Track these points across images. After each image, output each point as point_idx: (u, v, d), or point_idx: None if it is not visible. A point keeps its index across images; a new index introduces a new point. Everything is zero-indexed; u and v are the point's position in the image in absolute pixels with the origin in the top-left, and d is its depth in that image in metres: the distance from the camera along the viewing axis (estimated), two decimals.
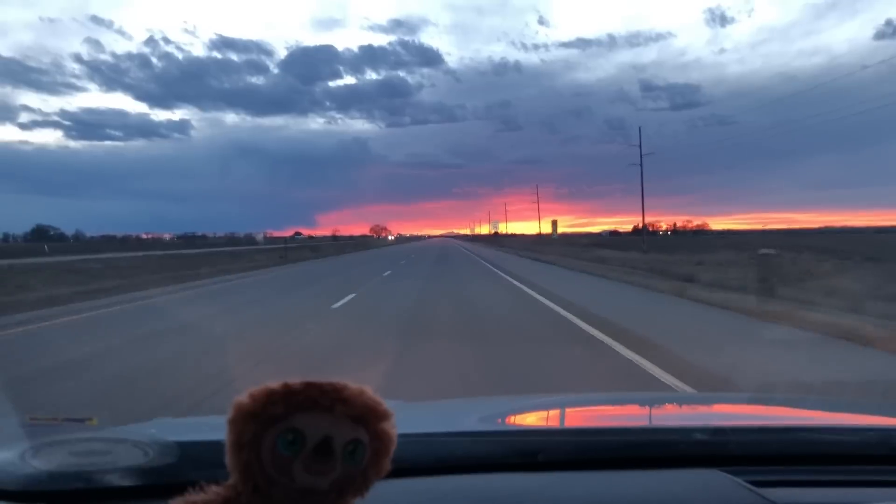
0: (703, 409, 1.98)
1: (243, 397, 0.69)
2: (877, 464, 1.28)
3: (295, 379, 0.69)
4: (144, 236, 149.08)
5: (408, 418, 1.59)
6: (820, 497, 1.08)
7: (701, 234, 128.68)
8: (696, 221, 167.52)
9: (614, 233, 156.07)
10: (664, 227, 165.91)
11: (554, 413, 1.91)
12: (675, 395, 3.17)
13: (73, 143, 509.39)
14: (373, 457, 0.70)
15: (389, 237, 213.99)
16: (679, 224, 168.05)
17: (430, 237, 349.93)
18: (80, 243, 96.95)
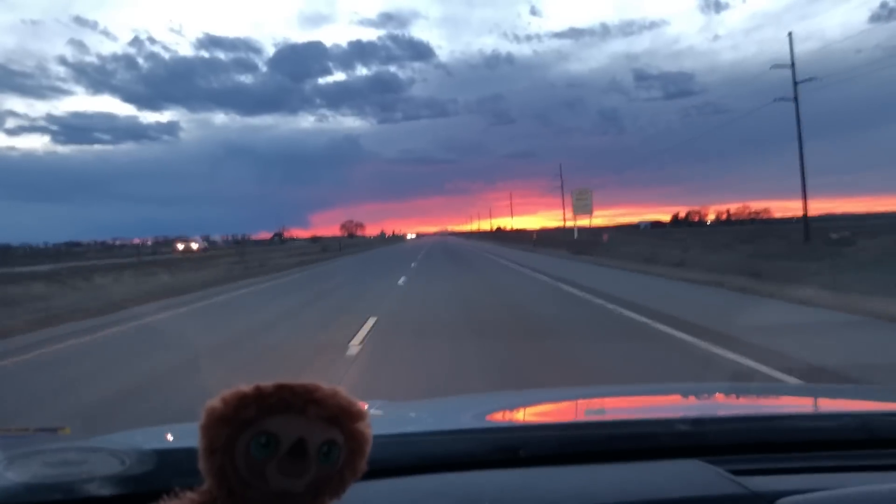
0: (683, 401, 2.00)
1: (215, 402, 0.68)
2: (856, 449, 1.30)
3: (267, 381, 0.69)
4: (112, 241, 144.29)
5: (389, 418, 1.59)
6: (800, 484, 1.09)
7: (767, 224, 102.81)
8: (753, 207, 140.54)
9: (657, 224, 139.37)
10: (712, 216, 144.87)
11: (536, 408, 1.91)
12: (656, 387, 3.19)
13: (60, 148, 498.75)
14: (348, 457, 0.70)
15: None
16: (732, 211, 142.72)
17: (421, 236, 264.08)
18: None
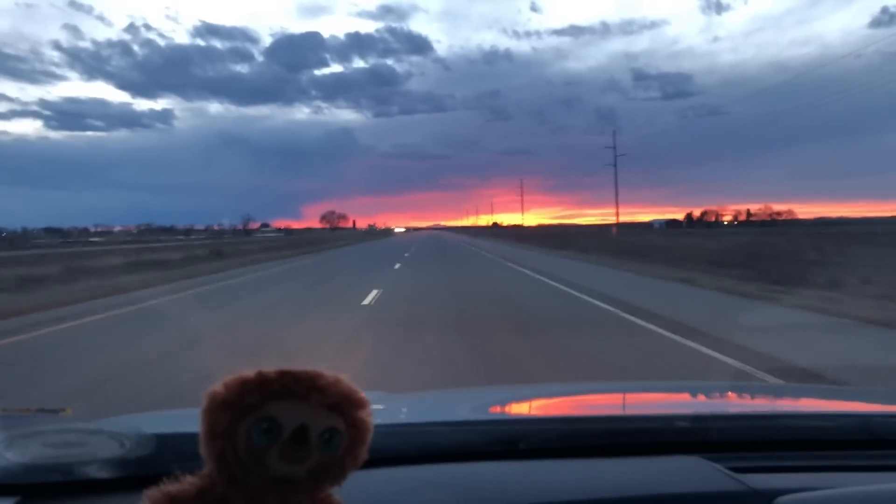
0: (684, 397, 2.00)
1: (217, 387, 0.68)
2: (856, 449, 1.30)
3: (270, 367, 0.69)
4: (92, 229, 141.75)
5: (390, 408, 1.59)
6: (799, 482, 1.09)
7: (794, 226, 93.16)
8: (776, 207, 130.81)
9: (673, 223, 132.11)
10: (728, 217, 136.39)
11: (536, 402, 1.91)
12: (657, 383, 3.19)
13: (53, 134, 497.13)
14: (350, 445, 0.70)
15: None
16: (753, 211, 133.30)
17: (412, 230, 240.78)
18: None
